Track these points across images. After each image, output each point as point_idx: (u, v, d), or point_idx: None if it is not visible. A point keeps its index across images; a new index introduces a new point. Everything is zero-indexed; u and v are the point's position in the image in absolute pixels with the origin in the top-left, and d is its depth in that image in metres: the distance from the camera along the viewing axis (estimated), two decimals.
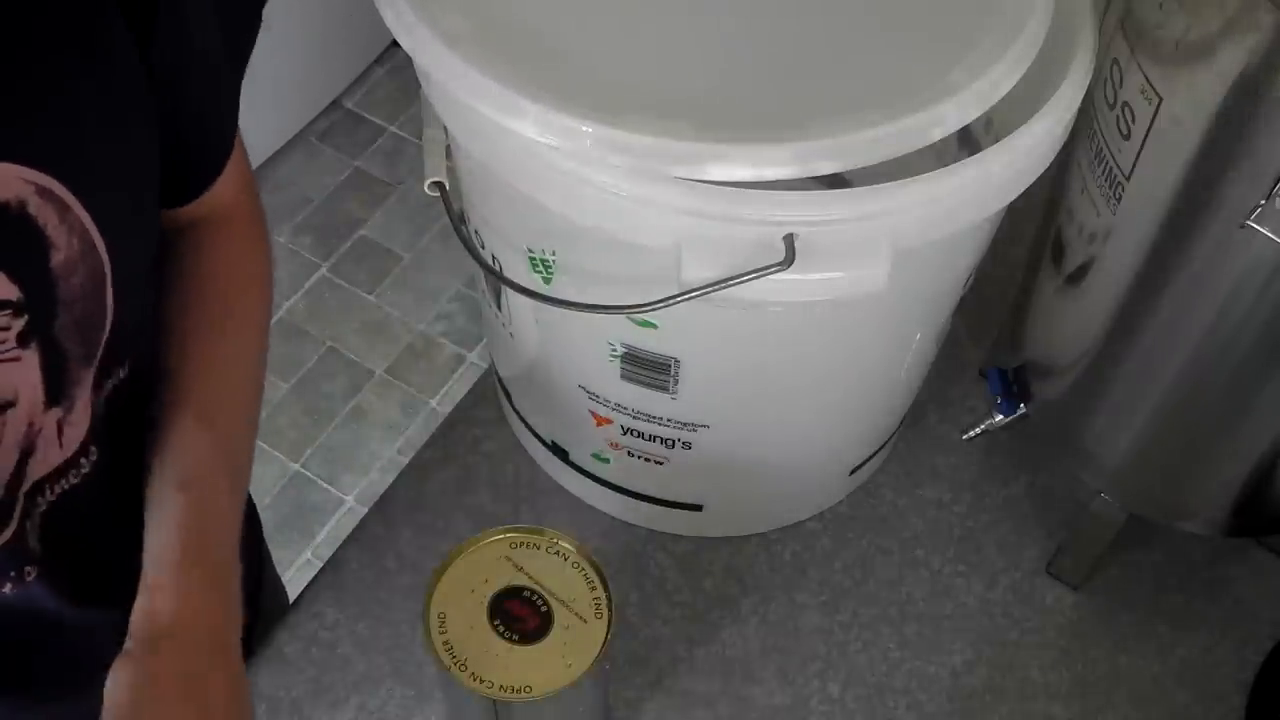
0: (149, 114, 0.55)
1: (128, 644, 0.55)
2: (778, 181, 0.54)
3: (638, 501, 0.79)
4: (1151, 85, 0.56)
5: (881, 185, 0.56)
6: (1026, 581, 0.79)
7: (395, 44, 0.71)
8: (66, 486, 0.60)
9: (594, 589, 0.60)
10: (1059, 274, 0.68)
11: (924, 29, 0.60)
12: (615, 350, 0.66)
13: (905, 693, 0.75)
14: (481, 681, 0.57)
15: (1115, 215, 0.61)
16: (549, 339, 0.71)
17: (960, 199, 0.58)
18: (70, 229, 0.52)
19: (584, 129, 0.54)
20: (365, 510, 0.82)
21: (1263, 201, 0.53)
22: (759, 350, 0.66)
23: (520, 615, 0.59)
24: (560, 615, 0.59)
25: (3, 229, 0.49)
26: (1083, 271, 0.66)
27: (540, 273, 0.65)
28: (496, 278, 0.67)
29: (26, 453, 0.56)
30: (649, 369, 0.66)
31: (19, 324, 0.52)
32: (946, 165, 0.57)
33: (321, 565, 0.80)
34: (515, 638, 0.59)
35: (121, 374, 0.60)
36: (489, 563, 0.61)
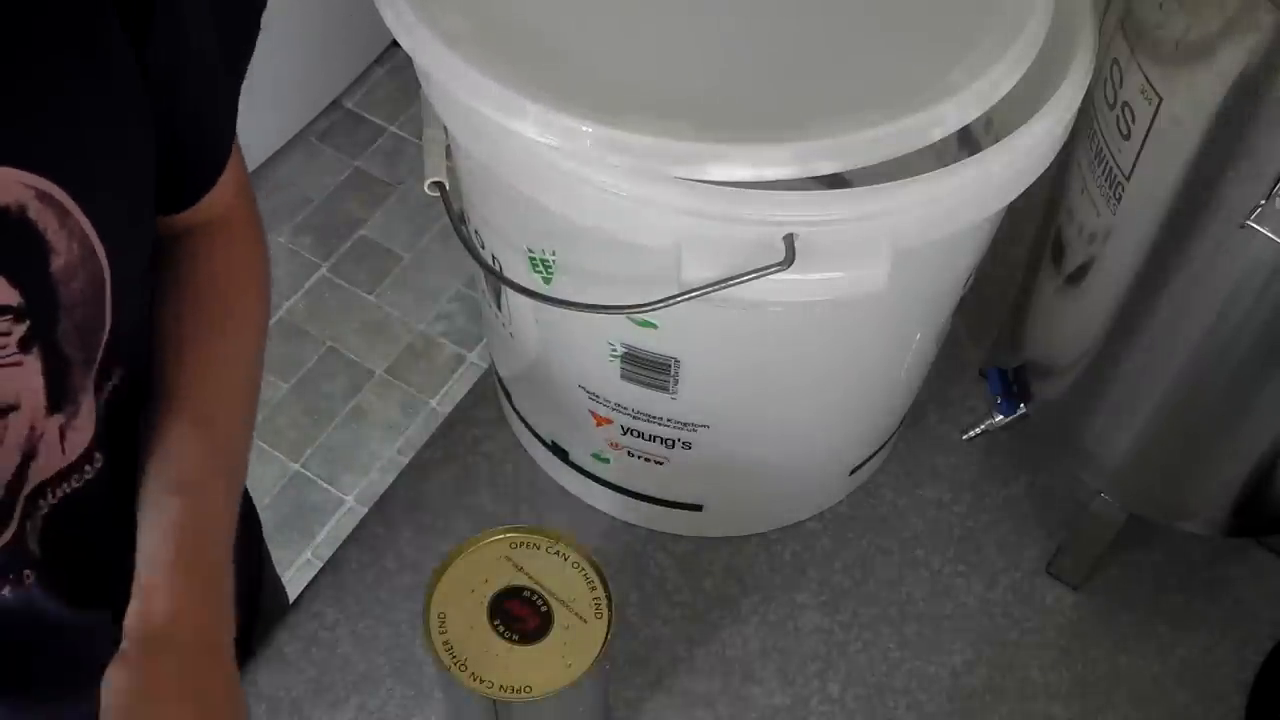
0: (145, 116, 0.54)
1: (123, 646, 0.56)
2: (778, 181, 0.54)
3: (638, 501, 0.79)
4: (1151, 85, 0.56)
5: (881, 185, 0.56)
6: (1026, 581, 0.79)
7: (395, 44, 0.71)
8: (69, 491, 0.60)
9: (594, 589, 0.60)
10: (1059, 274, 0.68)
11: (924, 29, 0.60)
12: (615, 350, 0.66)
13: (905, 693, 0.75)
14: (481, 681, 0.57)
15: (1115, 215, 0.61)
16: (549, 339, 0.71)
17: (960, 199, 0.58)
18: (70, 234, 0.51)
19: (584, 129, 0.54)
20: (365, 510, 0.82)
21: (1263, 201, 0.53)
22: (759, 350, 0.66)
23: (520, 615, 0.59)
24: (560, 615, 0.59)
25: (3, 233, 0.49)
26: (1083, 271, 0.66)
27: (540, 273, 0.65)
28: (496, 278, 0.67)
29: (28, 456, 0.56)
30: (649, 369, 0.66)
31: (20, 329, 0.52)
32: (946, 165, 0.57)
33: (321, 565, 0.80)
34: (515, 638, 0.59)
35: (117, 378, 0.60)
36: (489, 563, 0.61)
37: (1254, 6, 0.49)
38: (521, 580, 0.60)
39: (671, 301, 0.57)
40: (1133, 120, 0.58)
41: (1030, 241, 0.75)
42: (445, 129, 0.63)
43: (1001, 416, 0.75)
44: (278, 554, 0.96)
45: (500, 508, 0.81)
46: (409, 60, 0.59)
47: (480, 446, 0.84)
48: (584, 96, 0.55)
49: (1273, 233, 0.53)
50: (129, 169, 0.55)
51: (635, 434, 0.72)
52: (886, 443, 0.81)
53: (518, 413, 0.81)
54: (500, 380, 0.83)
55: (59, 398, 0.56)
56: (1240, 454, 0.66)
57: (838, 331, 0.66)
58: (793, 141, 0.54)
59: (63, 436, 0.57)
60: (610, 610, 0.59)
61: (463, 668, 0.58)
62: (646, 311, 0.59)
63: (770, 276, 0.55)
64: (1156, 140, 0.57)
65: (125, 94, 0.53)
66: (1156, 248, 0.59)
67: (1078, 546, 0.76)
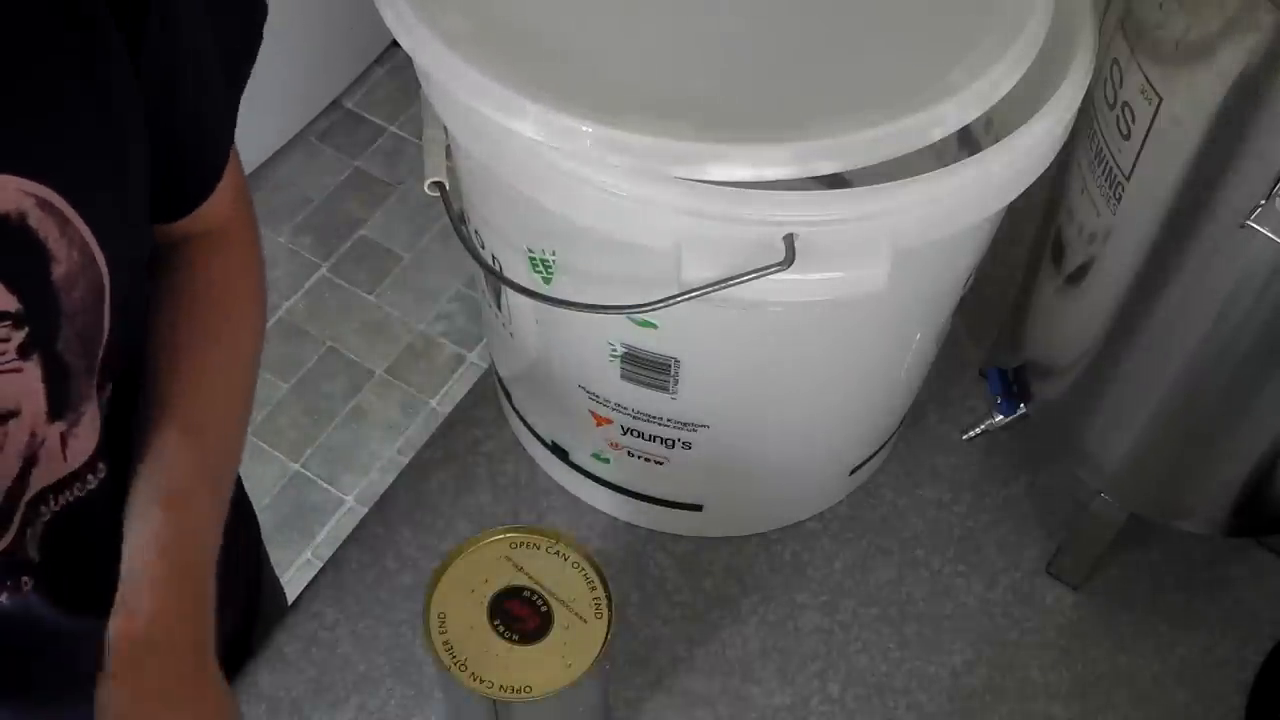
0: (141, 122, 0.54)
1: (108, 664, 0.55)
2: (778, 181, 0.54)
3: (638, 501, 0.79)
4: (1151, 85, 0.56)
5: (881, 185, 0.56)
6: (1026, 581, 0.79)
7: (395, 44, 0.71)
8: (71, 499, 0.60)
9: (594, 589, 0.60)
10: (1059, 274, 0.68)
11: (924, 29, 0.60)
12: (615, 350, 0.66)
13: (905, 693, 0.75)
14: (481, 681, 0.57)
15: (1115, 215, 0.61)
16: (549, 339, 0.71)
17: (960, 199, 0.58)
18: (70, 242, 0.51)
19: (584, 129, 0.54)
20: (365, 510, 0.82)
21: (1263, 201, 0.53)
22: (759, 350, 0.66)
23: (520, 615, 0.59)
24: (560, 615, 0.59)
25: (2, 240, 0.49)
26: (1083, 271, 0.66)
27: (540, 273, 0.65)
28: (496, 278, 0.67)
29: (29, 463, 0.56)
30: (649, 369, 0.66)
31: (19, 335, 0.52)
32: (946, 165, 0.57)
33: (321, 565, 0.80)
34: (515, 638, 0.59)
35: (113, 387, 0.60)
36: (489, 563, 0.61)
37: (1254, 6, 0.49)
38: (521, 580, 0.60)
39: (671, 301, 0.57)
40: (1133, 120, 0.58)
41: (1030, 241, 0.75)
42: (445, 129, 0.63)
43: (1001, 416, 0.75)
44: (277, 554, 0.96)
45: (500, 508, 0.81)
46: (409, 60, 0.59)
47: (480, 446, 0.84)
48: (584, 96, 0.55)
49: (1273, 233, 0.53)
50: (126, 177, 0.55)
51: (635, 434, 0.72)
52: (886, 443, 0.81)
53: (518, 413, 0.81)
54: (500, 380, 0.83)
55: (60, 405, 0.56)
56: (1240, 454, 0.66)
57: (838, 331, 0.66)
58: (793, 141, 0.54)
59: (64, 444, 0.57)
60: (610, 610, 0.59)
61: (463, 668, 0.58)
62: (646, 311, 0.59)
63: (770, 276, 0.55)
64: (1156, 140, 0.57)
65: (123, 101, 0.53)
66: (1156, 248, 0.59)
67: (1078, 546, 0.76)
